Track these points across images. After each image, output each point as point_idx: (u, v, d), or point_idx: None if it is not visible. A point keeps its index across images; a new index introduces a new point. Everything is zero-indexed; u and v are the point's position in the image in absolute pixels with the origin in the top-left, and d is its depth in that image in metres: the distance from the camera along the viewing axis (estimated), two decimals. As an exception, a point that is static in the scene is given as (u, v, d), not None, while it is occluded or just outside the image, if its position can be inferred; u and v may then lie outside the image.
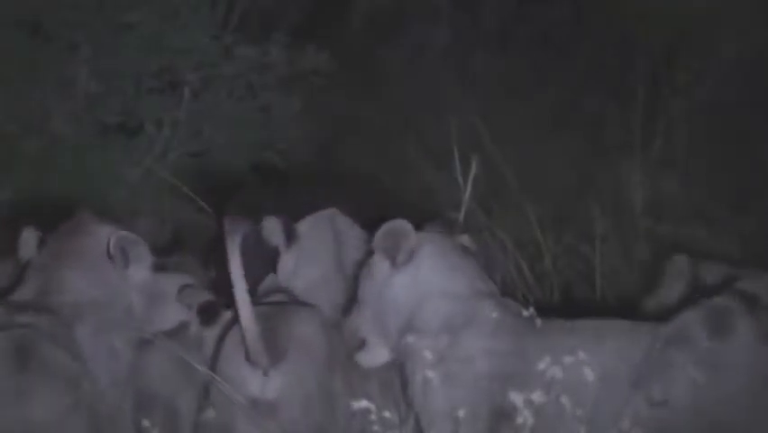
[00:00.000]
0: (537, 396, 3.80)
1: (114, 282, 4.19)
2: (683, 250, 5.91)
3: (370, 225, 4.29)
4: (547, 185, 6.34)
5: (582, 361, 3.80)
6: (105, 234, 4.15)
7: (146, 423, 3.98)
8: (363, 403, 3.93)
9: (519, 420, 3.75)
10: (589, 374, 3.80)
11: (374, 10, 7.13)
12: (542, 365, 3.79)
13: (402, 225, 4.08)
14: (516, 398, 3.82)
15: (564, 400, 3.85)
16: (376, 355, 4.20)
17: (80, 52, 6.44)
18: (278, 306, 4.21)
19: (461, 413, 3.82)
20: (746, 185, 6.62)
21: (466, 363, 4.03)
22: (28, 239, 4.27)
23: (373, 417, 3.91)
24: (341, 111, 6.90)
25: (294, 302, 4.32)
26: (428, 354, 3.95)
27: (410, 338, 4.03)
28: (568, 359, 3.82)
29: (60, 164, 6.30)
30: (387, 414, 3.93)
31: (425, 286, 4.10)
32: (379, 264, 4.16)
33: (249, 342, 3.76)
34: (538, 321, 3.97)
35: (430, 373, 3.90)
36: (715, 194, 6.65)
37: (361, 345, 4.14)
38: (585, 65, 6.94)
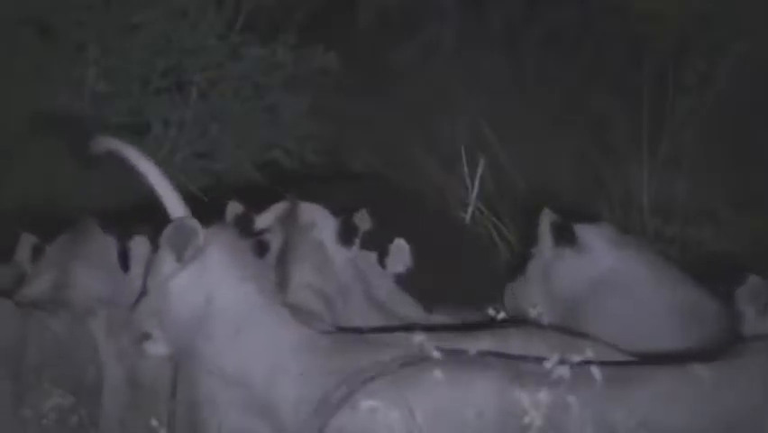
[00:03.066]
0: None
1: (122, 284, 4.27)
2: (691, 250, 6.20)
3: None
4: (554, 185, 6.31)
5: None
6: (109, 240, 4.31)
7: (154, 423, 4.01)
8: (369, 402, 3.88)
9: None
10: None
11: (382, 9, 7.13)
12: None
13: (191, 222, 4.12)
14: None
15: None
16: (159, 347, 4.20)
17: (88, 52, 6.45)
18: None
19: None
20: (755, 184, 6.57)
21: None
22: (25, 243, 4.41)
23: (380, 416, 3.82)
24: (348, 110, 6.89)
25: None
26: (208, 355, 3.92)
27: (199, 341, 4.00)
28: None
29: (68, 163, 6.25)
30: (395, 413, 3.83)
31: (210, 284, 4.05)
32: (166, 259, 4.20)
33: None
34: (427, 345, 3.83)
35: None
36: (723, 194, 6.61)
37: (146, 336, 4.10)
38: (592, 65, 6.93)
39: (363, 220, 4.55)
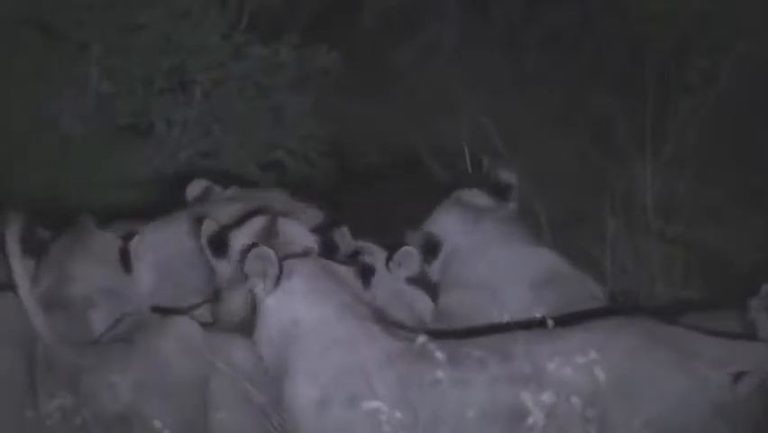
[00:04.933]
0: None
1: (123, 277, 4.43)
2: (695, 250, 6.20)
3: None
4: (558, 185, 6.32)
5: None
6: (108, 236, 4.44)
7: (157, 424, 4.04)
8: (374, 403, 3.93)
9: None
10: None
11: (384, 10, 7.16)
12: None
13: (266, 252, 4.24)
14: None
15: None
16: None
17: (91, 52, 6.50)
18: None
19: None
20: (757, 183, 6.59)
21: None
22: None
23: (384, 417, 3.91)
24: (349, 110, 6.95)
25: None
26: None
27: (291, 359, 4.20)
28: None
29: (71, 163, 6.39)
30: (398, 414, 3.91)
31: (295, 310, 4.27)
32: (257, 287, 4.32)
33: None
34: (430, 346, 4.04)
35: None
36: (726, 193, 6.66)
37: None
38: (593, 64, 6.97)
39: (344, 237, 4.61)
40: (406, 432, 3.97)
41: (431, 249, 4.75)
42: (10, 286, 4.17)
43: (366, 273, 4.42)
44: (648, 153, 6.49)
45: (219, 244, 4.36)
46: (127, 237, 4.51)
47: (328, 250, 4.43)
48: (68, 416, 4.17)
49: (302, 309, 4.23)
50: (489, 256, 4.90)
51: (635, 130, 6.59)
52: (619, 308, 4.83)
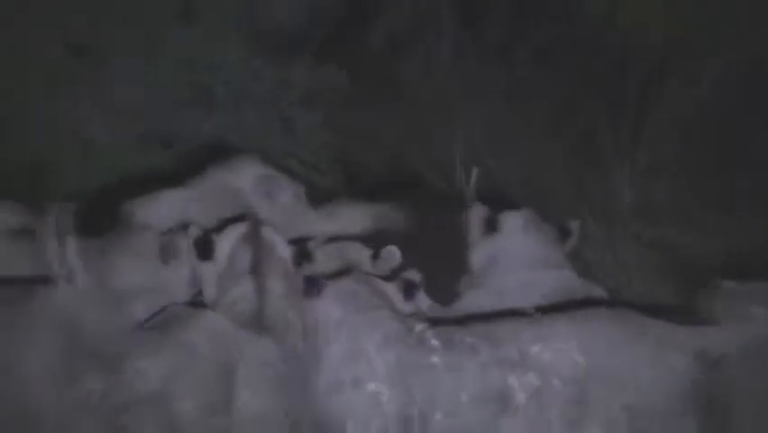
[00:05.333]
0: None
1: (163, 273, 4.55)
2: (666, 255, 6.42)
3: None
4: (542, 191, 6.39)
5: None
6: (148, 232, 4.57)
7: (186, 405, 4.29)
8: (374, 385, 4.20)
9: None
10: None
11: (390, 30, 7.10)
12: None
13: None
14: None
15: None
16: None
17: (117, 68, 6.61)
18: None
19: None
20: (735, 189, 6.56)
21: None
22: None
23: (384, 398, 4.19)
24: (354, 121, 6.89)
25: None
26: None
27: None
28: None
29: (97, 172, 6.49)
30: (397, 396, 4.18)
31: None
32: None
33: None
34: (428, 333, 4.31)
35: None
36: (701, 199, 6.59)
37: None
38: (580, 77, 6.85)
39: (317, 246, 4.75)
40: (405, 412, 4.22)
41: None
42: (50, 279, 4.37)
43: (409, 287, 4.56)
44: (626, 162, 6.57)
45: (204, 248, 4.47)
46: (165, 234, 4.59)
47: (302, 259, 4.54)
48: (105, 397, 4.37)
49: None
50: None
51: (616, 140, 6.62)
52: (600, 300, 4.84)
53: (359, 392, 4.31)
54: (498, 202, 5.48)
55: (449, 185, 6.44)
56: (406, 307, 4.52)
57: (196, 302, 4.56)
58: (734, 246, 6.20)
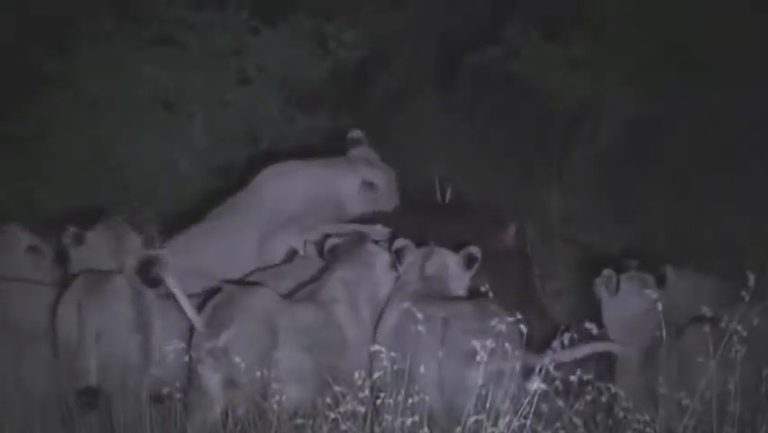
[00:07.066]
0: None
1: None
2: (582, 251, 7.23)
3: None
4: (495, 205, 7.10)
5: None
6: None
7: (237, 359, 4.94)
8: (375, 347, 4.84)
9: None
10: None
11: (384, 87, 7.95)
12: None
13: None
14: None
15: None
16: None
17: (195, 120, 7.78)
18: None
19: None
20: (628, 206, 7.49)
21: None
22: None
23: (383, 355, 4.73)
24: None
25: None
26: None
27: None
28: None
29: (183, 196, 7.57)
30: (393, 354, 4.72)
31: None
32: None
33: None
34: (413, 309, 4.90)
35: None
36: (606, 212, 7.56)
37: None
38: (522, 126, 7.78)
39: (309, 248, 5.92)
40: (399, 366, 4.77)
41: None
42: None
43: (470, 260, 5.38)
44: (555, 185, 7.64)
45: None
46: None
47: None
48: (178, 355, 5.18)
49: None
50: None
51: (548, 169, 7.66)
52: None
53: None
54: (464, 209, 6.53)
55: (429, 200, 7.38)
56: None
57: (235, 281, 5.39)
58: (628, 246, 7.01)
